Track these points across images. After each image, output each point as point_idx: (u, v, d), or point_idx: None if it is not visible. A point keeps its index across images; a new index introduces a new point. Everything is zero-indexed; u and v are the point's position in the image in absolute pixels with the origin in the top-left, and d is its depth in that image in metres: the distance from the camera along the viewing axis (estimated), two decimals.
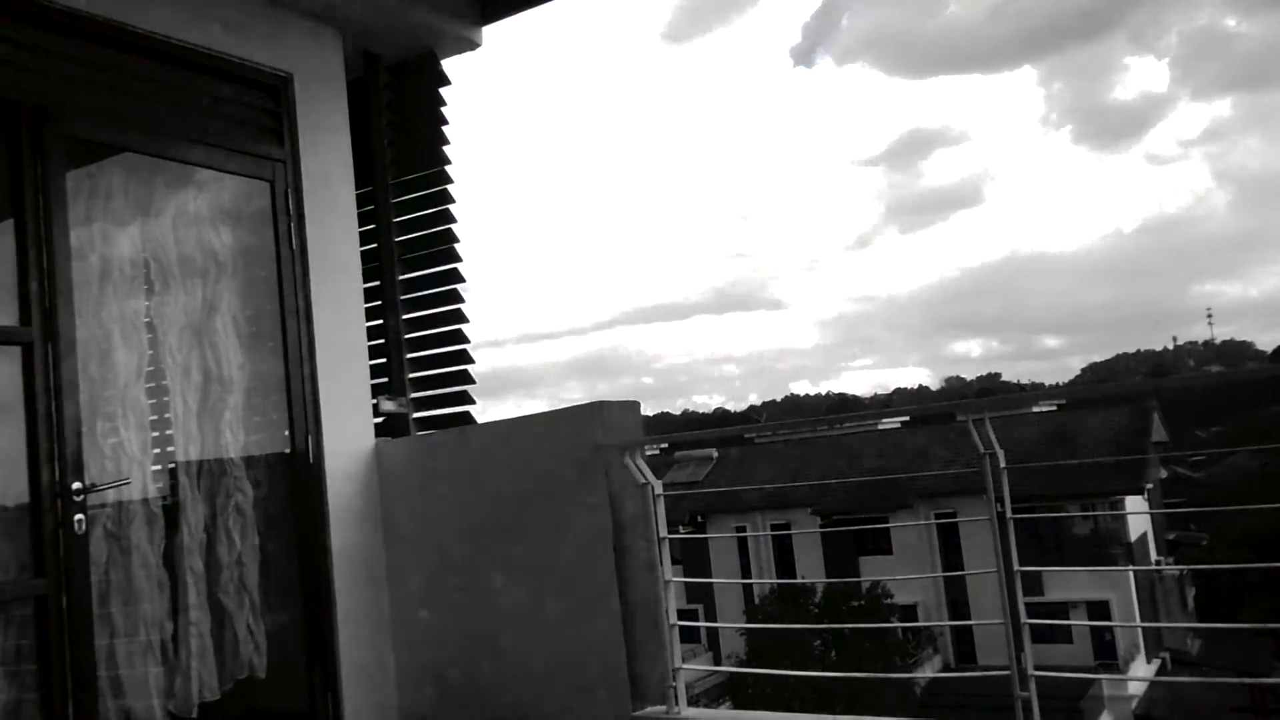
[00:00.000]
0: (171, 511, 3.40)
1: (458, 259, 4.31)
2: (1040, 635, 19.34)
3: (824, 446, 30.79)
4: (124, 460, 3.26)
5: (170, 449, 3.59)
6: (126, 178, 3.41)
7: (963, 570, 24.18)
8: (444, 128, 4.41)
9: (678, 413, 77.05)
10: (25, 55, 3.09)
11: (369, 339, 4.07)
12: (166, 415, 3.50)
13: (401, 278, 4.32)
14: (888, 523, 27.06)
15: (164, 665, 3.29)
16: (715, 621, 26.86)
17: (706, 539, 28.97)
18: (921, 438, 29.19)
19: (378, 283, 4.26)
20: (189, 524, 3.41)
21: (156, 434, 3.57)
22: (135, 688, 3.18)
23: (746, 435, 35.68)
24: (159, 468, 3.60)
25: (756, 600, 25.60)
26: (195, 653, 3.35)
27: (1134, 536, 26.48)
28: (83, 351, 3.19)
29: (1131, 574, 24.35)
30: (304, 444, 3.68)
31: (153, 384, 3.52)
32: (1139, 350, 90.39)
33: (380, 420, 4.06)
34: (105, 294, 3.29)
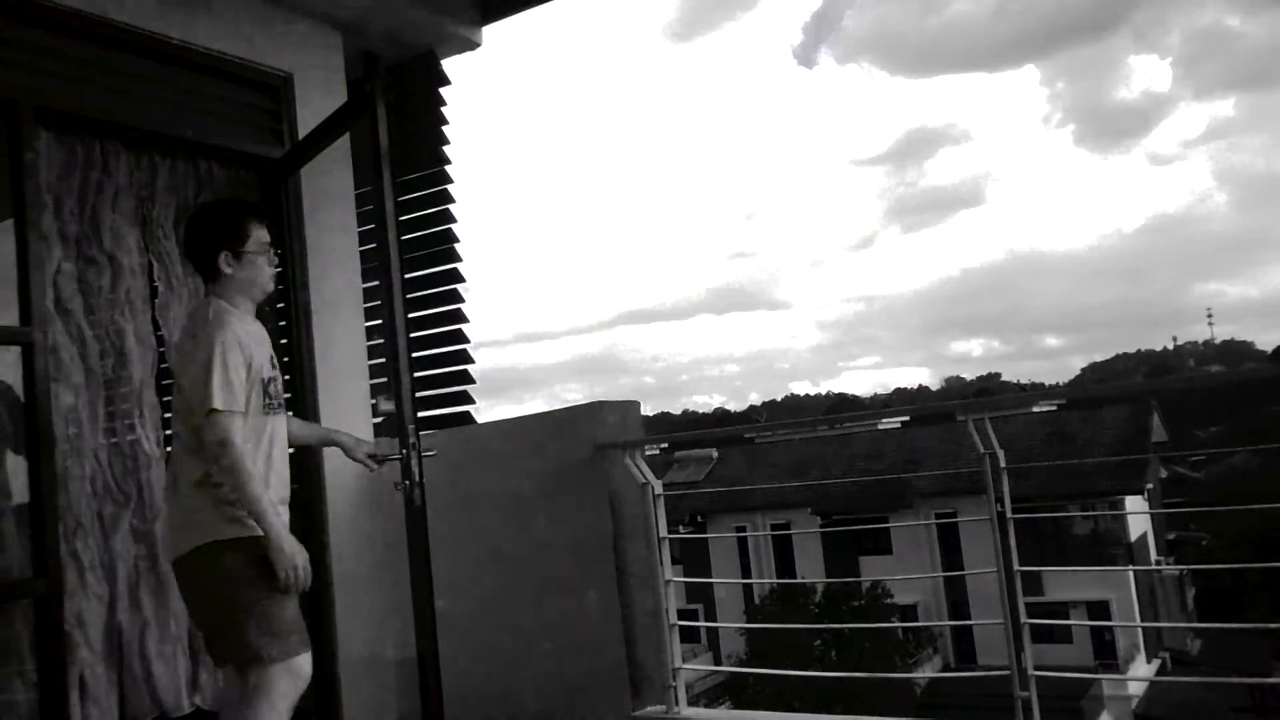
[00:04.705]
0: None
1: (458, 259, 4.31)
2: (1040, 635, 19.32)
3: (825, 446, 30.77)
4: (141, 457, 3.28)
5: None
6: (128, 178, 3.41)
7: (963, 570, 24.16)
8: (444, 128, 4.41)
9: (678, 413, 77.09)
10: (25, 55, 3.08)
11: (368, 339, 4.07)
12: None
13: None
14: (888, 523, 27.03)
15: (191, 658, 3.32)
16: (715, 621, 26.83)
17: (706, 539, 28.94)
18: (926, 438, 29.17)
19: (377, 283, 4.26)
20: None
21: (168, 432, 3.58)
22: (167, 679, 3.23)
23: (746, 435, 35.64)
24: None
25: (756, 600, 25.58)
26: None
27: (1134, 536, 26.45)
28: (92, 351, 3.20)
29: (1131, 574, 24.32)
30: None
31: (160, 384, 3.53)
32: (1139, 350, 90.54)
33: (380, 420, 4.06)
34: (119, 292, 3.30)
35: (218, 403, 2.40)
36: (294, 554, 2.44)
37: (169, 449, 3.63)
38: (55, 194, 3.17)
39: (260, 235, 2.66)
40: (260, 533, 2.43)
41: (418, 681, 3.01)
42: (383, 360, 4.21)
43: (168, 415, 3.53)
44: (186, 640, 3.31)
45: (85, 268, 3.23)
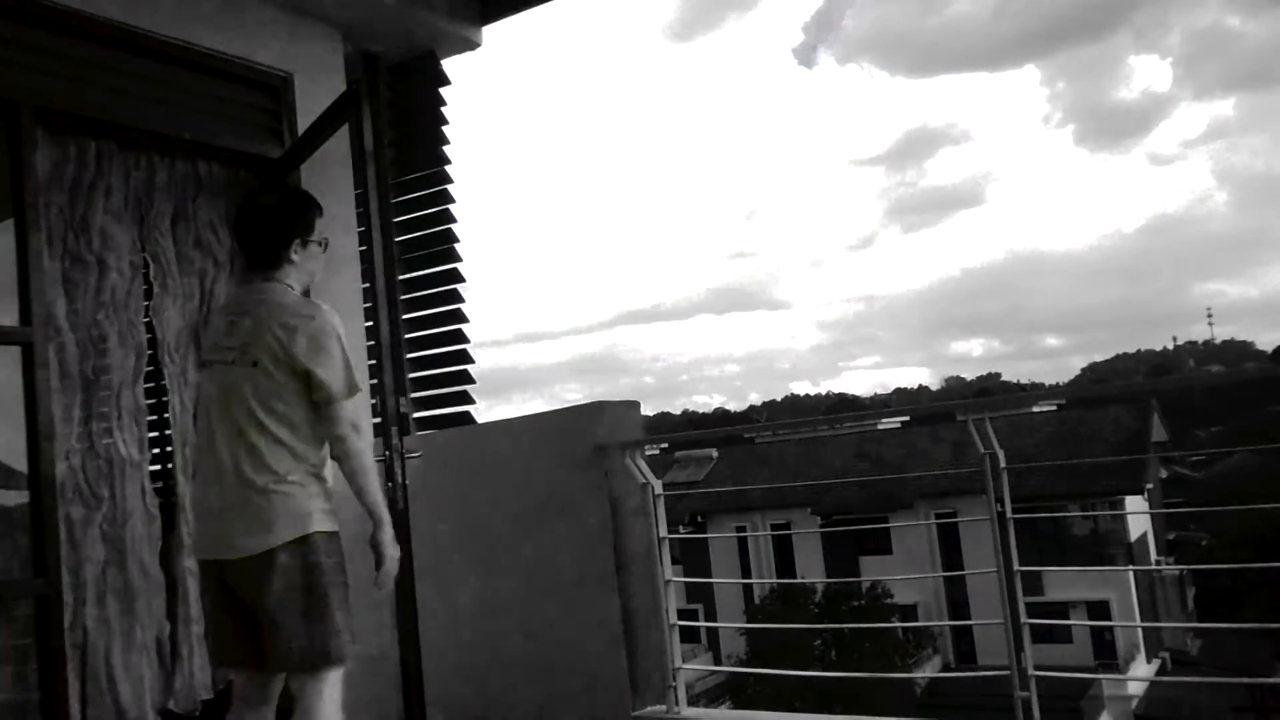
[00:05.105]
0: (169, 511, 3.39)
1: (458, 259, 4.31)
2: (1040, 635, 19.32)
3: (824, 446, 30.77)
4: (116, 460, 3.22)
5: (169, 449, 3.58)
6: (126, 177, 3.41)
7: (963, 570, 24.16)
8: (444, 128, 4.41)
9: (678, 413, 77.11)
10: (26, 55, 3.08)
11: (368, 339, 4.06)
12: (166, 415, 3.49)
13: (401, 278, 4.32)
14: (888, 523, 27.04)
15: (160, 664, 3.26)
16: (715, 621, 26.83)
17: (706, 539, 28.94)
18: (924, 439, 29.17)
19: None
20: (187, 524, 3.39)
21: (155, 434, 3.55)
22: (130, 687, 3.15)
23: (746, 435, 35.65)
24: (157, 468, 3.60)
25: (756, 600, 25.58)
26: (195, 651, 3.34)
27: (1134, 536, 26.46)
28: (81, 351, 3.18)
29: (1131, 574, 24.34)
30: None
31: (151, 384, 3.51)
32: (1139, 350, 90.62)
33: (380, 420, 4.05)
34: (104, 294, 3.28)
35: (356, 385, 2.46)
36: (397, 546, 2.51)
37: (155, 449, 3.61)
38: (45, 193, 3.15)
39: (320, 226, 2.69)
40: (338, 528, 2.46)
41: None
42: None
43: (164, 416, 3.52)
44: (155, 649, 3.23)
45: (72, 267, 3.21)
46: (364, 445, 2.47)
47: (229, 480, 2.40)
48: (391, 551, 2.50)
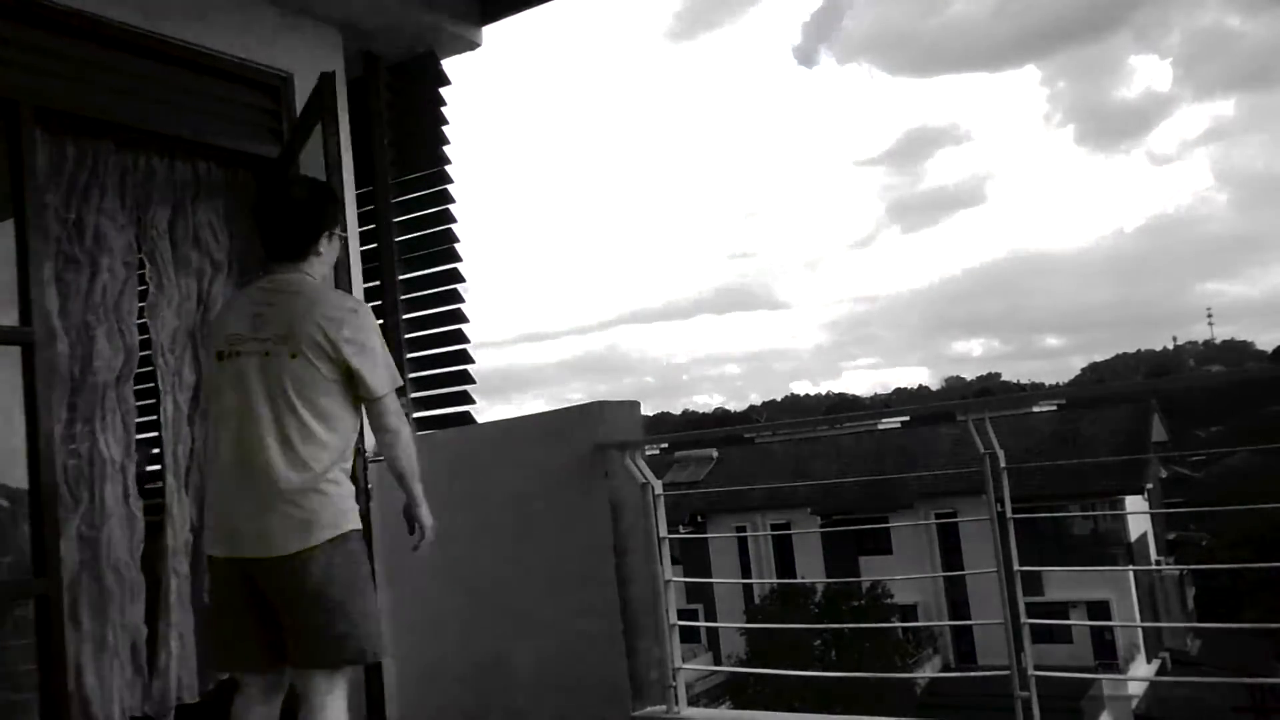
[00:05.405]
0: (156, 513, 3.38)
1: (458, 259, 4.31)
2: (1040, 635, 19.31)
3: (824, 445, 30.79)
4: (97, 461, 3.19)
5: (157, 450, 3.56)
6: (124, 178, 3.41)
7: (963, 570, 24.15)
8: (444, 128, 4.41)
9: (678, 413, 77.00)
10: (25, 54, 3.09)
11: None
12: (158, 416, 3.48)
13: (401, 278, 4.32)
14: (888, 523, 27.03)
15: (135, 669, 3.22)
16: (715, 621, 26.83)
17: (706, 539, 28.93)
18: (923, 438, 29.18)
19: (378, 283, 4.26)
20: (174, 525, 3.38)
21: (153, 435, 3.55)
22: (100, 692, 3.10)
23: (746, 435, 35.64)
24: (156, 467, 3.59)
25: (756, 600, 25.58)
26: (175, 655, 3.31)
27: (1134, 536, 26.46)
28: (70, 351, 3.17)
29: (1131, 574, 24.34)
30: None
31: (149, 384, 3.51)
32: (1139, 350, 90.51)
33: None
34: (96, 294, 3.27)
35: (398, 379, 2.51)
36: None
37: (152, 450, 3.60)
38: (53, 193, 3.15)
39: (343, 219, 2.72)
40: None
41: (416, 682, 3.01)
42: None
43: (153, 418, 3.50)
44: (129, 654, 3.19)
45: (64, 266, 3.20)
46: (410, 435, 2.54)
47: (264, 475, 2.31)
48: (429, 521, 2.63)
